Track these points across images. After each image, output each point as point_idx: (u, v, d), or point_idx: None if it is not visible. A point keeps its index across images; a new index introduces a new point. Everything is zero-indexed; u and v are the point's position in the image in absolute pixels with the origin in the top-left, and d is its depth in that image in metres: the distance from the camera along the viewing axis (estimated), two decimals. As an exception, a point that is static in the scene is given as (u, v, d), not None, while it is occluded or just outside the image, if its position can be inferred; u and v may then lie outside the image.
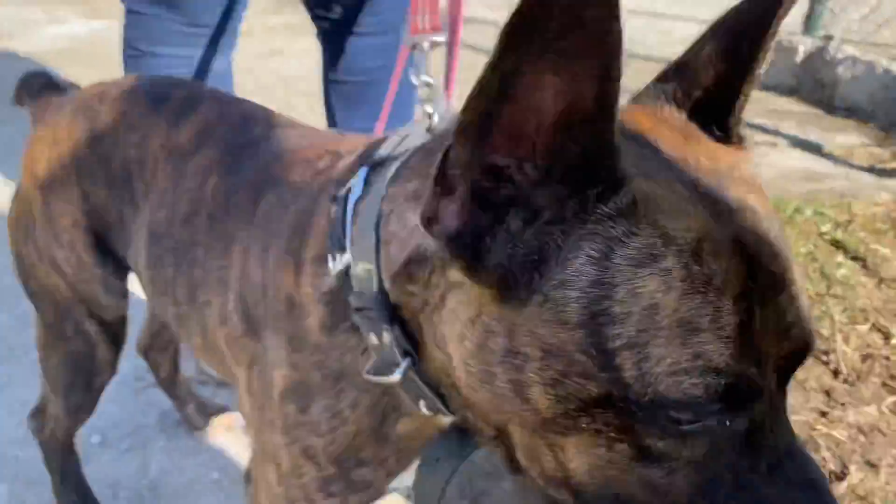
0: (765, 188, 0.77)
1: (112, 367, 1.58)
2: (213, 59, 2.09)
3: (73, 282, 1.43)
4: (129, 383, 2.21)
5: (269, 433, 1.06)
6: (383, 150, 0.93)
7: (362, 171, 0.93)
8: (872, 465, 1.54)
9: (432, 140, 0.90)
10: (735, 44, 0.79)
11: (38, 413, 1.70)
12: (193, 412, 2.05)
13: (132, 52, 2.03)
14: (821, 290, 2.28)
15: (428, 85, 0.99)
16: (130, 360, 2.31)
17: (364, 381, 0.93)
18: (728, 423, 0.67)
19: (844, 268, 2.40)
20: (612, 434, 0.68)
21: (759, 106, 4.09)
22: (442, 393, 0.88)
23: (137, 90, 1.39)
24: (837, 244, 2.55)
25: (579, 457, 0.72)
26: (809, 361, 1.67)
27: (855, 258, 2.47)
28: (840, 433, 1.69)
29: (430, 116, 0.94)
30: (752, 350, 0.65)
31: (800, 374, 1.81)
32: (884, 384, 1.87)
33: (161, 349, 1.99)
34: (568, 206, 0.66)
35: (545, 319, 0.67)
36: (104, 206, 1.38)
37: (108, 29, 2.03)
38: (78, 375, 1.56)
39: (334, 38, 2.26)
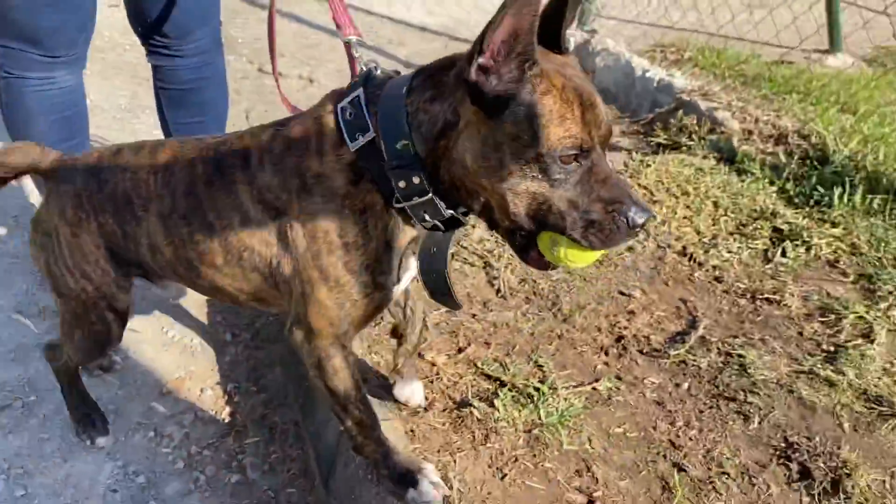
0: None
1: (120, 338, 2.13)
2: (68, 77, 2.75)
3: (98, 284, 1.96)
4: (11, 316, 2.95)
5: (317, 262, 1.57)
6: (355, 88, 1.56)
7: (360, 93, 1.53)
8: (485, 344, 2.44)
9: (408, 75, 1.54)
10: None
11: (54, 348, 2.27)
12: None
13: (4, 74, 2.67)
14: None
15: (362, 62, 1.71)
16: (11, 299, 3.04)
17: (381, 211, 1.55)
18: (582, 162, 1.40)
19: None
20: (539, 176, 1.38)
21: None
22: (451, 201, 1.51)
23: (122, 149, 1.94)
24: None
25: (527, 195, 1.40)
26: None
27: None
28: (478, 325, 2.47)
29: (375, 68, 1.63)
30: (587, 130, 1.39)
31: (471, 290, 2.70)
32: (527, 299, 2.67)
33: None
34: (515, 73, 1.36)
35: (510, 121, 1.37)
36: (113, 230, 1.88)
37: None
38: (96, 345, 2.13)
39: (159, 58, 2.98)
